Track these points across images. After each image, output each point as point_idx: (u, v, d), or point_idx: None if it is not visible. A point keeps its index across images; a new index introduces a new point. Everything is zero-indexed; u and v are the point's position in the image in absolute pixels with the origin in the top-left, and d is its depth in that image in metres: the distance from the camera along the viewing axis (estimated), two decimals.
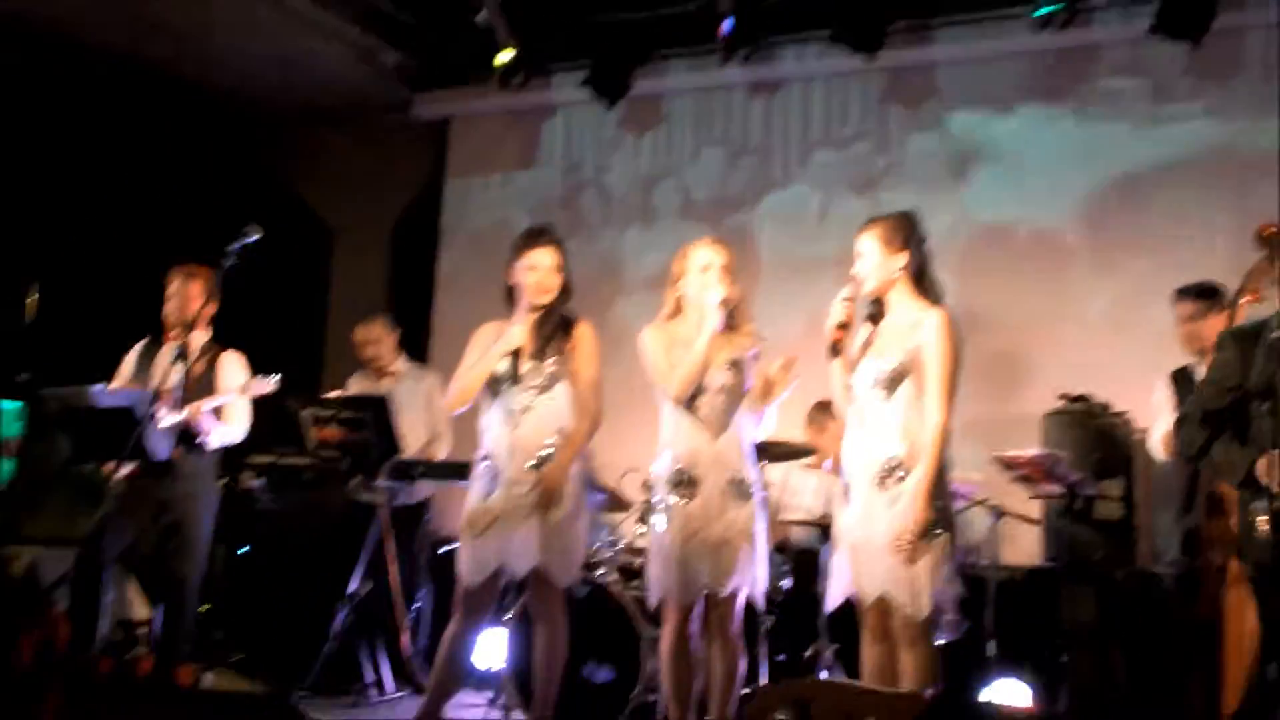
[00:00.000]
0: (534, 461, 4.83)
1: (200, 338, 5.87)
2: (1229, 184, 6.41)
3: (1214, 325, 5.32)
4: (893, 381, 4.35)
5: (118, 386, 6.03)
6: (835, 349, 4.47)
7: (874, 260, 4.46)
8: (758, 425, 4.84)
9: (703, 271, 4.79)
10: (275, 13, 7.39)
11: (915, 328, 4.38)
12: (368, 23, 7.81)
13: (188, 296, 5.95)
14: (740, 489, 4.72)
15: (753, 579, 4.71)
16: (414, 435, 6.75)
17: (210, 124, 8.48)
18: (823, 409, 6.36)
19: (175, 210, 8.33)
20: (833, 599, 4.51)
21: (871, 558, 4.33)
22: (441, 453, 6.69)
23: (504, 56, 7.45)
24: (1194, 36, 6.22)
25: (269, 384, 5.71)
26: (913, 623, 4.27)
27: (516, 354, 4.88)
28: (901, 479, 4.29)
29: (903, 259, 4.44)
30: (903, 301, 4.47)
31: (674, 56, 7.76)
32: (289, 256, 7.01)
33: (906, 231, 4.47)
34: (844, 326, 4.46)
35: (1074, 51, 6.90)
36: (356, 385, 6.99)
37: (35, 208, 8.10)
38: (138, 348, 6.18)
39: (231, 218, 5.85)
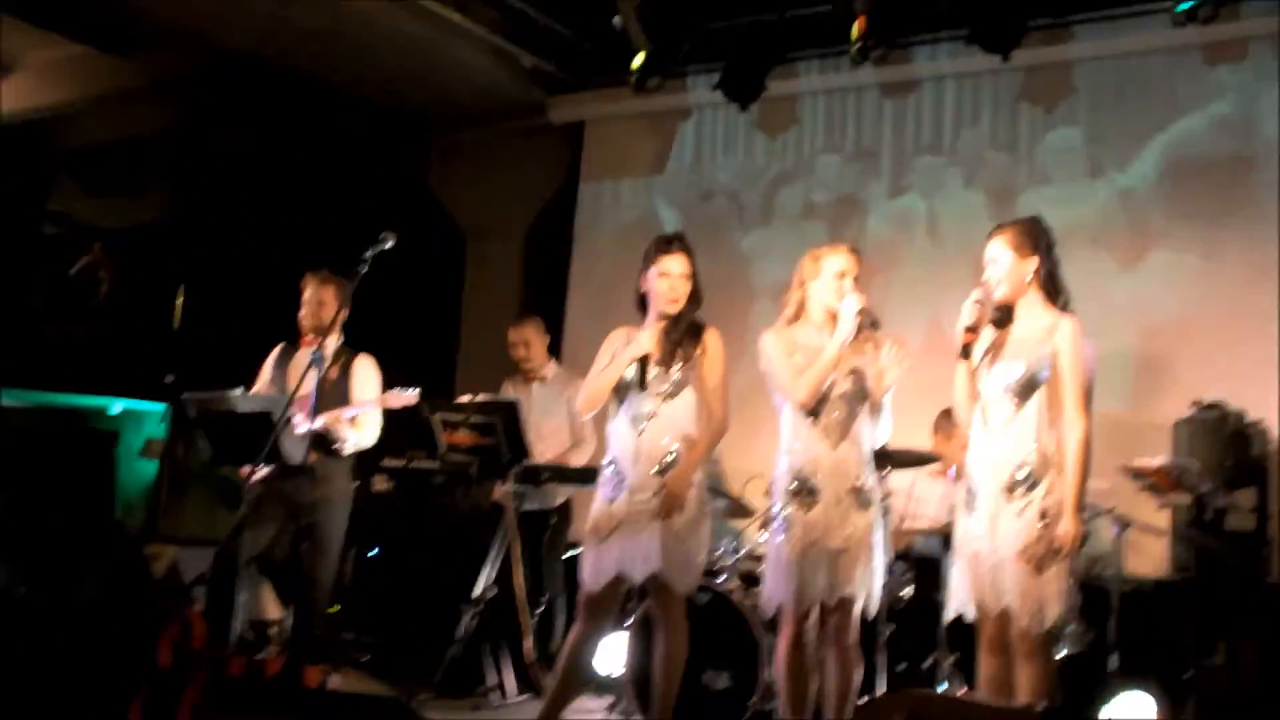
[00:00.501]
0: (658, 468, 4.88)
1: (334, 343, 6.00)
2: None
3: None
4: (1025, 389, 4.32)
5: (256, 391, 6.21)
6: (966, 351, 4.45)
7: (1005, 265, 4.43)
8: (876, 428, 4.81)
9: (838, 278, 4.78)
10: (415, 16, 7.51)
11: (1048, 334, 4.34)
12: (505, 26, 7.90)
13: (322, 302, 6.09)
14: (860, 498, 4.71)
15: (871, 588, 4.69)
16: (556, 440, 6.81)
17: (348, 126, 8.67)
18: (948, 415, 6.29)
19: (315, 214, 8.54)
20: (952, 609, 4.48)
21: (996, 568, 4.30)
22: (582, 459, 6.70)
23: (639, 59, 7.49)
24: None
25: (408, 396, 5.84)
26: (1031, 636, 4.23)
27: (644, 360, 4.92)
28: (1031, 488, 4.26)
29: (1033, 264, 4.40)
30: (1033, 308, 4.42)
31: (806, 58, 7.73)
32: (424, 259, 7.15)
33: (1037, 237, 4.44)
34: (973, 329, 4.44)
35: (1218, 46, 6.70)
36: (508, 388, 7.06)
37: (183, 213, 8.39)
38: (275, 352, 6.34)
39: (369, 220, 5.99)
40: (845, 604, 4.66)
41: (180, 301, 8.24)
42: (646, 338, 4.93)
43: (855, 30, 6.89)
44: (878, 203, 7.60)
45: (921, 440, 6.20)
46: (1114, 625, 5.46)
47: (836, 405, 4.74)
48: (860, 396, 4.74)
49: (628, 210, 8.46)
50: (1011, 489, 4.30)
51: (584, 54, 8.31)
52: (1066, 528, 4.23)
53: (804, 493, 4.73)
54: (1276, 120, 6.50)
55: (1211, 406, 5.88)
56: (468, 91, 8.45)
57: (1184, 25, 6.47)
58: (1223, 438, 5.80)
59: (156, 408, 7.96)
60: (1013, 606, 4.25)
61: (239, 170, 8.46)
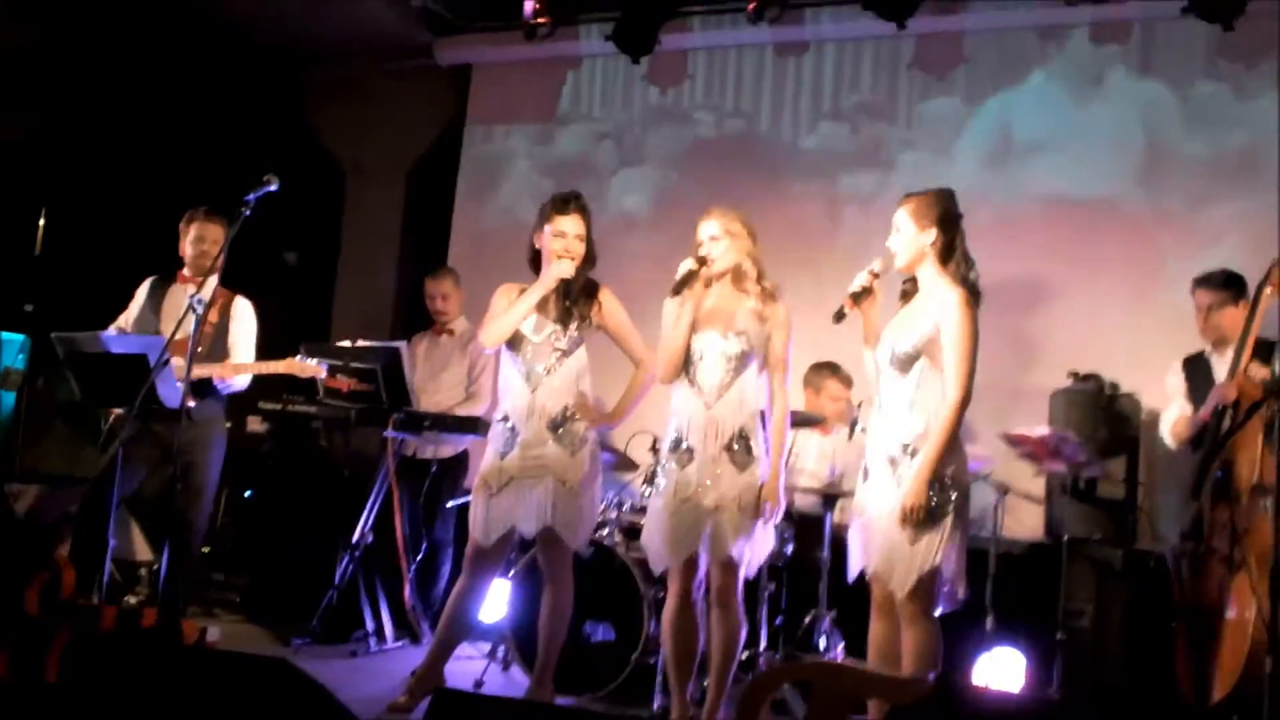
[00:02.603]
0: (551, 424, 4.90)
1: (212, 284, 5.85)
2: (1257, 169, 6.34)
3: (1233, 316, 5.33)
4: (909, 360, 4.37)
5: (123, 325, 6.03)
6: (839, 315, 4.48)
7: (905, 235, 4.46)
8: (767, 390, 4.76)
9: (711, 241, 4.77)
10: None
11: (934, 307, 4.38)
12: None
13: (214, 240, 5.95)
14: (736, 458, 4.67)
15: (750, 546, 4.66)
16: (454, 393, 6.79)
17: (227, 60, 8.38)
18: (819, 370, 6.37)
19: (188, 145, 8.26)
20: (852, 572, 4.54)
21: (877, 534, 4.38)
22: (475, 411, 6.65)
23: None
24: (1228, 19, 6.14)
25: (315, 368, 5.88)
26: (914, 602, 4.30)
27: (543, 310, 4.92)
28: (914, 457, 4.31)
29: (931, 236, 4.43)
30: (931, 280, 4.46)
31: (701, 13, 7.65)
32: (300, 197, 6.97)
33: (938, 209, 4.46)
34: (858, 296, 4.45)
35: (1104, 27, 6.80)
36: (419, 342, 6.99)
37: (45, 137, 8.04)
38: (145, 286, 6.16)
39: (243, 154, 5.82)
40: (723, 564, 4.65)
41: (42, 226, 7.91)
42: (567, 266, 4.90)
43: None
44: (763, 161, 7.57)
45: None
46: (990, 587, 5.58)
47: (712, 364, 4.72)
48: (743, 358, 4.71)
49: (513, 157, 8.33)
50: (895, 459, 4.36)
51: None
52: (908, 495, 4.26)
53: (680, 450, 4.76)
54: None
55: (1087, 378, 6.01)
56: (353, 28, 8.18)
57: (1075, 4, 6.59)
58: (1097, 409, 5.95)
59: (15, 338, 7.65)
60: (891, 573, 4.32)
61: (108, 95, 8.12)
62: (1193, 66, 6.61)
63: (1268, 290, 5.06)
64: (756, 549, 4.70)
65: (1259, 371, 5.02)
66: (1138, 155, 6.67)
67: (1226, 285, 5.40)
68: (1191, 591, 5.13)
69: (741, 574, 4.68)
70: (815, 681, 3.06)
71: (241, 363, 5.92)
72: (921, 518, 4.25)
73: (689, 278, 4.67)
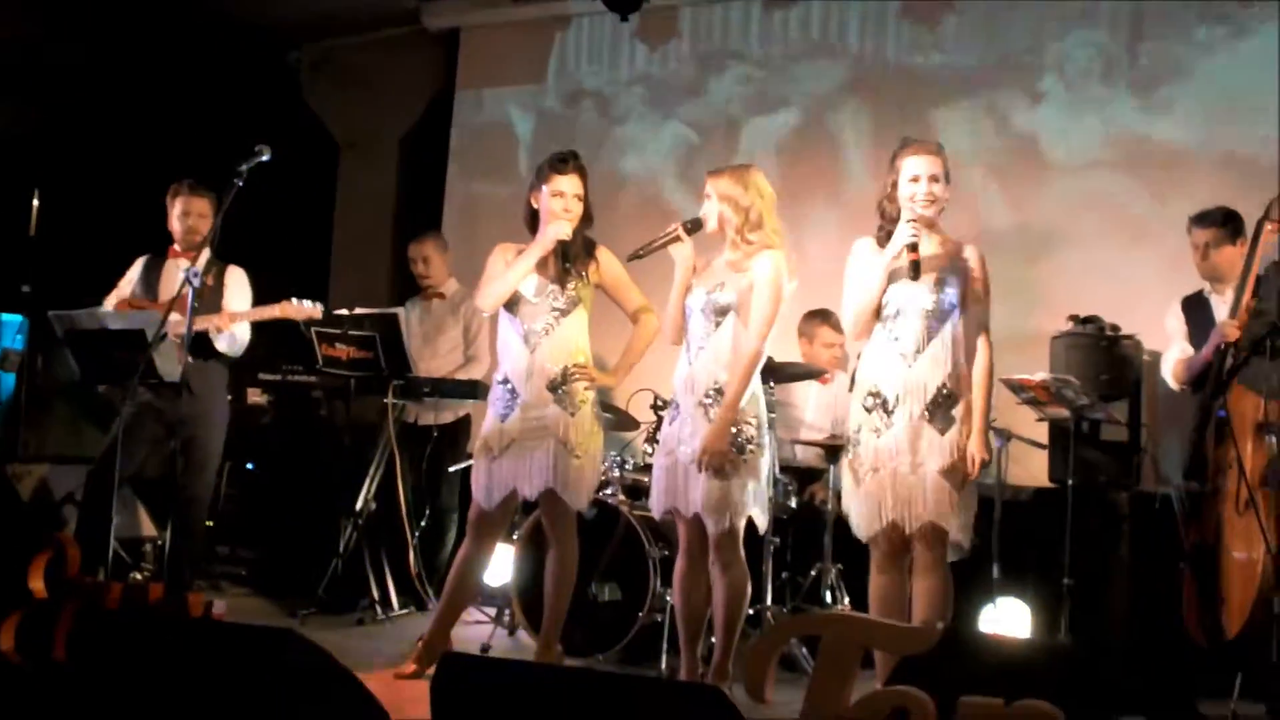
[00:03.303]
0: (551, 384, 4.90)
1: (205, 255, 5.86)
2: (1245, 106, 6.30)
3: (1230, 254, 5.29)
4: (943, 313, 4.48)
5: (121, 305, 6.02)
6: (915, 269, 4.48)
7: (941, 187, 4.55)
8: (746, 340, 4.65)
9: (706, 201, 4.76)
10: None
11: (958, 258, 4.57)
12: None
13: (200, 214, 5.97)
14: (710, 412, 4.62)
15: (734, 502, 4.58)
16: (453, 357, 6.76)
17: (217, 37, 8.33)
18: (811, 319, 6.34)
19: (182, 123, 8.23)
20: (863, 528, 4.56)
21: (916, 486, 4.42)
22: (475, 375, 6.63)
23: None
24: None
25: (310, 309, 5.93)
26: (934, 550, 4.33)
27: (541, 271, 4.91)
28: (952, 407, 4.43)
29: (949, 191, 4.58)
30: (936, 232, 4.58)
31: None
32: (295, 170, 6.94)
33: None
34: (915, 247, 4.47)
35: None
36: (410, 307, 6.96)
37: (38, 119, 8.02)
38: (140, 264, 6.18)
39: (238, 130, 5.80)
40: (699, 517, 4.61)
41: (36, 207, 7.89)
42: (565, 228, 4.89)
43: None
44: (757, 115, 7.51)
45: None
46: (995, 534, 5.58)
47: (700, 321, 4.70)
48: (722, 312, 4.67)
49: (503, 120, 8.28)
50: (933, 409, 4.40)
51: None
52: (976, 451, 4.40)
53: (672, 405, 4.82)
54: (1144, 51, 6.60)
55: (1087, 320, 5.98)
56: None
57: None
58: (1098, 351, 5.91)
59: (13, 319, 7.65)
60: (930, 522, 4.36)
61: (99, 75, 8.08)
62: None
63: (1269, 227, 5.03)
64: (735, 502, 4.59)
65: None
66: (1133, 96, 6.61)
67: (1224, 223, 5.36)
68: (1197, 533, 5.13)
69: (723, 527, 4.58)
70: (823, 634, 3.05)
71: (236, 311, 5.91)
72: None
73: (671, 240, 4.70)
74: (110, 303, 6.05)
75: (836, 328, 6.26)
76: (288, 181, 6.24)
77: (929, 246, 4.50)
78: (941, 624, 4.09)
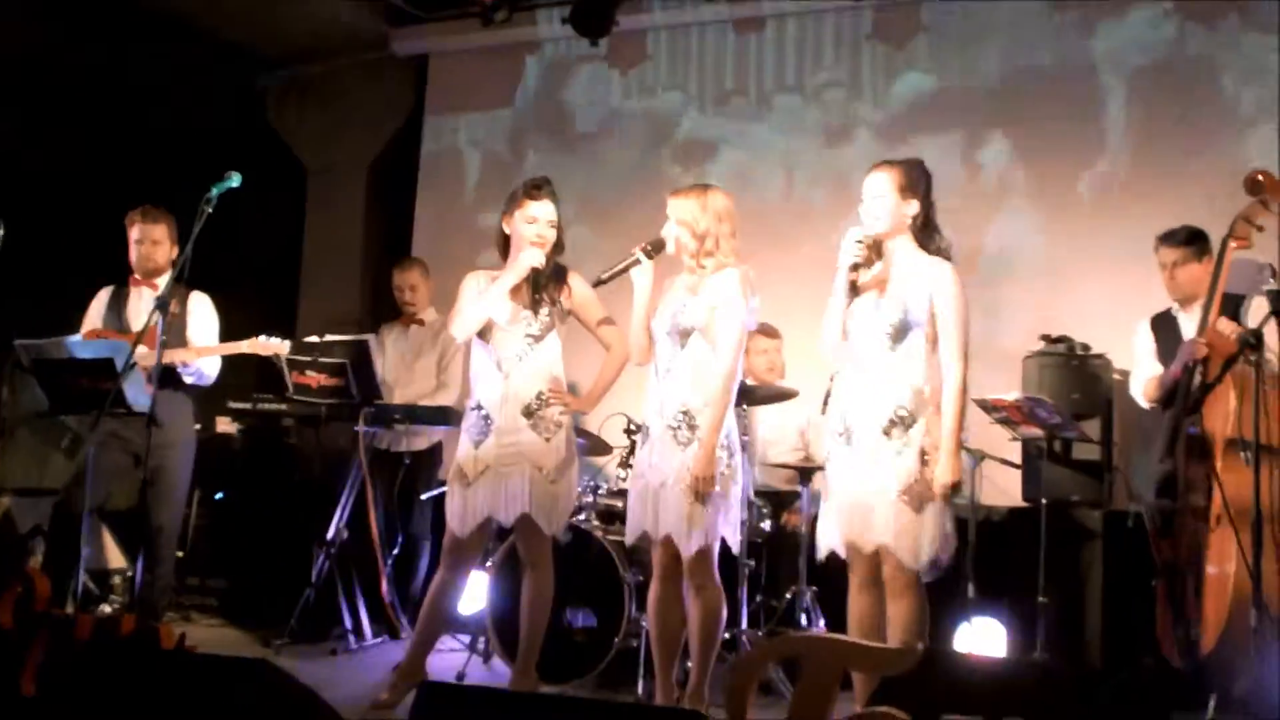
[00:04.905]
0: (525, 410, 4.87)
1: (166, 280, 5.81)
2: (1218, 129, 6.36)
3: (1197, 272, 5.34)
4: (902, 330, 4.35)
5: (90, 334, 5.97)
6: (854, 288, 4.44)
7: (888, 204, 4.42)
8: (713, 362, 4.62)
9: (667, 222, 4.75)
10: None
11: (925, 279, 4.37)
12: None
13: (155, 241, 5.95)
14: (677, 435, 4.61)
15: (706, 525, 4.55)
16: (423, 384, 6.75)
17: (182, 60, 8.28)
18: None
19: (149, 152, 8.17)
20: (824, 547, 4.51)
21: (874, 507, 4.34)
22: (447, 401, 6.63)
23: None
24: None
25: (277, 344, 5.87)
26: (905, 573, 4.29)
27: (514, 297, 4.90)
28: (909, 428, 4.30)
29: (914, 207, 4.43)
30: (906, 250, 4.45)
31: None
32: (263, 197, 6.90)
33: (919, 180, 4.47)
34: (857, 268, 4.43)
35: None
36: (385, 333, 6.98)
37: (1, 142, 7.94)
38: (104, 295, 6.12)
39: (206, 159, 5.76)
40: (691, 542, 4.54)
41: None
42: (537, 255, 4.88)
43: None
44: (728, 139, 7.53)
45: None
46: (970, 554, 5.58)
47: (664, 345, 4.70)
48: (684, 335, 4.65)
49: (473, 146, 8.27)
50: (890, 429, 4.33)
51: None
52: (945, 472, 4.29)
53: (643, 430, 4.82)
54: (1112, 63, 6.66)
55: (1058, 340, 6.02)
56: (307, 23, 8.09)
57: None
58: (1069, 371, 5.95)
59: None
60: (889, 545, 4.30)
61: (65, 100, 8.02)
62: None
63: (1232, 245, 5.08)
64: (708, 525, 4.56)
65: (1227, 326, 5.03)
66: (1108, 119, 6.66)
67: (1189, 242, 5.41)
68: (1170, 550, 5.14)
69: (694, 549, 4.54)
70: (803, 656, 3.04)
71: (203, 345, 5.88)
72: (955, 490, 4.31)
73: (632, 264, 4.69)
74: (83, 334, 6.00)
75: (768, 333, 6.24)
76: (255, 207, 6.19)
77: (901, 262, 4.46)
78: (920, 645, 4.06)
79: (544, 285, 4.94)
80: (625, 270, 4.70)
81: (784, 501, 6.10)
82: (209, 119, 8.42)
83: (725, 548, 4.70)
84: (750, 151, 7.43)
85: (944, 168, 6.67)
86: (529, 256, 4.89)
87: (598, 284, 4.80)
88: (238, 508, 7.17)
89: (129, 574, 6.55)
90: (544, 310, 4.94)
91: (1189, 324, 5.33)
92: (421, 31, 8.28)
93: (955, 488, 4.32)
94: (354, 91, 8.61)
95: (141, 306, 5.88)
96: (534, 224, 4.92)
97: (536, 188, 4.96)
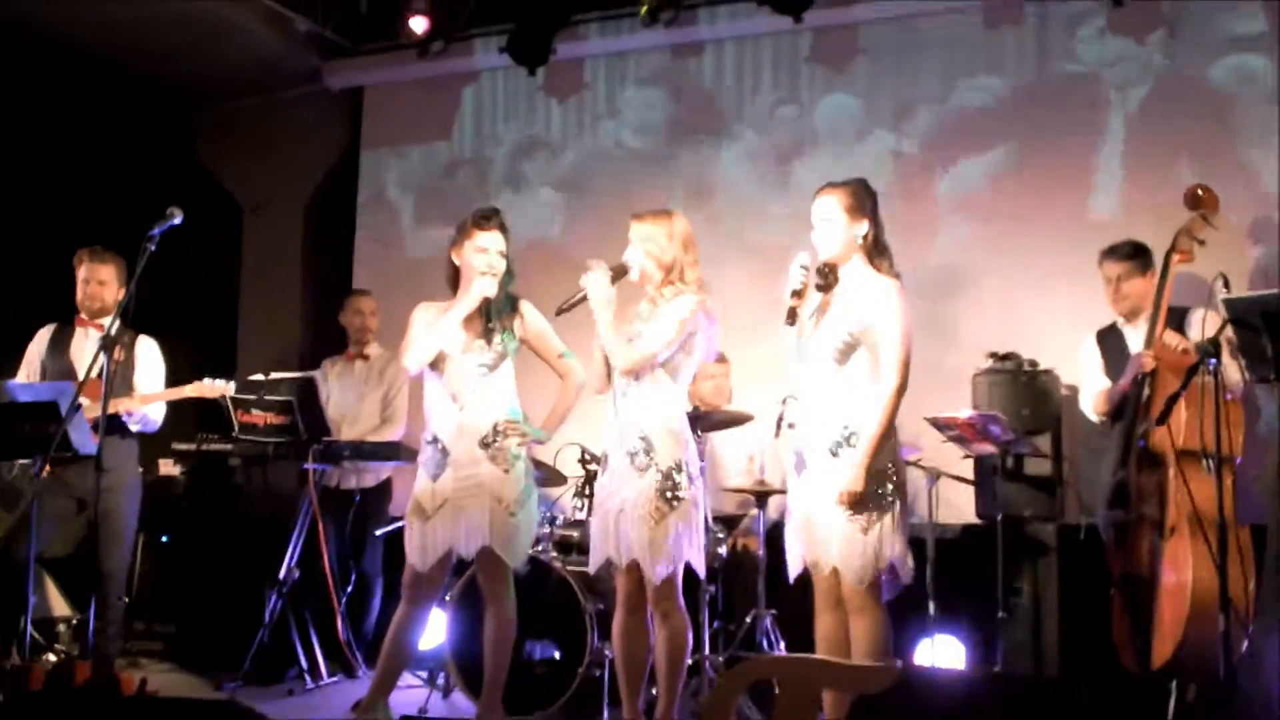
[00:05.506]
0: (482, 441, 4.83)
1: (109, 320, 5.72)
2: (1153, 143, 6.47)
3: (1141, 285, 5.42)
4: (848, 351, 4.36)
5: (29, 378, 5.86)
6: (791, 316, 4.43)
7: (838, 226, 4.44)
8: (666, 390, 4.64)
9: (630, 246, 4.75)
10: None
11: (872, 298, 4.38)
12: None
13: (102, 281, 5.87)
14: (635, 462, 4.61)
15: (667, 551, 4.54)
16: (370, 419, 6.71)
17: (110, 96, 8.17)
18: None
19: (82, 191, 8.05)
20: (793, 569, 4.51)
21: (822, 527, 4.35)
22: (392, 436, 6.60)
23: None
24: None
25: (221, 386, 5.80)
26: (860, 592, 4.30)
27: (466, 328, 4.86)
28: (855, 447, 4.30)
29: (864, 227, 4.44)
30: (857, 271, 4.46)
31: (596, 20, 7.59)
32: (198, 236, 6.81)
33: (866, 200, 4.48)
34: (799, 294, 4.44)
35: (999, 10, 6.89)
36: (328, 367, 6.93)
37: None
38: (45, 335, 6.02)
39: (141, 197, 5.68)
40: (653, 569, 4.54)
41: None
42: (489, 283, 4.85)
43: None
44: (667, 165, 7.55)
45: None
46: (930, 572, 5.60)
47: (619, 372, 4.69)
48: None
49: (410, 179, 8.22)
50: (837, 449, 4.34)
51: (361, 17, 8.03)
52: (849, 480, 4.27)
53: (601, 459, 4.81)
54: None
55: (1006, 357, 6.08)
56: (239, 58, 7.99)
57: None
58: (1018, 387, 6.01)
59: None
60: (839, 564, 4.31)
61: None
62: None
63: (1176, 258, 5.17)
64: (673, 551, 4.55)
65: (1174, 339, 5.09)
66: (1040, 137, 6.75)
67: (1133, 256, 5.49)
68: (1125, 560, 5.19)
69: (662, 575, 4.53)
70: (780, 677, 3.03)
71: (149, 393, 5.79)
72: (864, 505, 4.26)
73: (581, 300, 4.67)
74: (21, 376, 5.88)
75: (717, 359, 6.24)
76: (190, 246, 6.10)
77: (849, 283, 4.48)
78: (887, 662, 4.07)
79: (496, 315, 4.91)
80: (585, 298, 4.67)
81: (736, 525, 6.10)
82: (140, 157, 8.30)
83: (687, 572, 4.68)
84: (690, 177, 7.44)
85: (889, 188, 6.81)
86: (480, 286, 4.86)
87: (559, 313, 4.77)
88: (184, 550, 7.05)
89: (74, 621, 6.42)
90: (496, 340, 4.89)
91: (1135, 337, 5.40)
92: (356, 64, 8.23)
93: (856, 498, 4.25)
94: (288, 127, 8.53)
95: (87, 346, 5.77)
96: (484, 254, 4.89)
97: (485, 218, 4.94)
